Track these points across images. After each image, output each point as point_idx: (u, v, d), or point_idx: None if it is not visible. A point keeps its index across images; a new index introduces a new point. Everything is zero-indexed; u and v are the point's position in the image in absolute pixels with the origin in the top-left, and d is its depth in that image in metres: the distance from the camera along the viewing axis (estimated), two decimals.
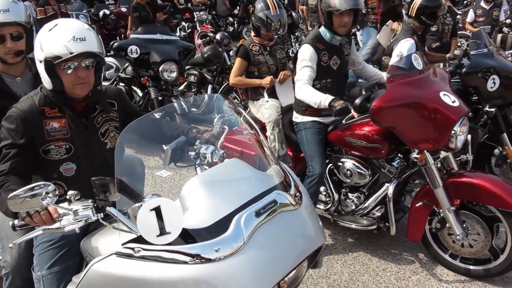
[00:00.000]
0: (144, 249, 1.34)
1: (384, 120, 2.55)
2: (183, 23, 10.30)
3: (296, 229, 1.52)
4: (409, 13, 3.90)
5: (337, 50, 3.03)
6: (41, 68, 1.77)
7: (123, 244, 1.38)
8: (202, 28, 9.85)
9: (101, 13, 10.17)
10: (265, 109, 3.45)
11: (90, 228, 1.76)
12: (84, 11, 8.96)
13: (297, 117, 3.14)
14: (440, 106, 2.45)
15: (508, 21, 5.52)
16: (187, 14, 11.37)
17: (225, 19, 12.79)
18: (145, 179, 2.51)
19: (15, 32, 2.16)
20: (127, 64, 5.36)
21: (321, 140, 3.00)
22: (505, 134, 3.45)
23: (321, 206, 3.11)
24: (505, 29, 6.16)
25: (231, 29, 12.29)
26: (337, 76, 3.05)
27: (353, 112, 2.62)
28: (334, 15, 2.87)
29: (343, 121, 2.92)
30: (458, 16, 8.70)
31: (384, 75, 3.22)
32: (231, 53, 5.81)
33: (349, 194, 2.99)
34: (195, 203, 1.43)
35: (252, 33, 3.69)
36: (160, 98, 4.91)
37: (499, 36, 5.93)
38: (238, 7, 13.09)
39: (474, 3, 7.93)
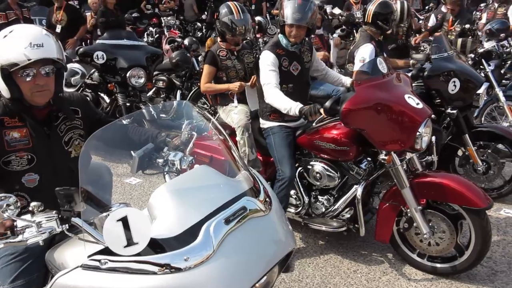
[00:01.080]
0: (111, 261, 1.31)
1: (353, 122, 2.60)
2: (151, 28, 10.19)
3: (266, 235, 1.52)
4: (365, 20, 4.06)
5: (296, 56, 3.08)
6: None
7: (89, 256, 1.34)
8: (170, 33, 9.78)
9: None
10: (234, 114, 3.45)
11: (55, 240, 1.70)
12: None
13: (263, 123, 3.16)
14: (406, 108, 2.53)
15: (468, 26, 5.73)
16: (154, 19, 11.26)
17: (193, 24, 12.74)
18: (113, 187, 2.47)
19: None
20: (93, 70, 5.26)
21: (289, 144, 3.02)
22: (467, 135, 3.57)
23: (292, 210, 3.13)
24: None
25: (199, 34, 12.26)
26: (298, 82, 3.09)
27: (323, 114, 2.67)
28: (285, 25, 2.94)
29: (313, 124, 2.96)
30: (420, 21, 8.98)
31: (346, 79, 3.32)
32: (199, 58, 5.78)
33: (319, 196, 3.03)
34: (163, 212, 1.41)
35: (218, 39, 3.68)
36: (128, 104, 4.84)
37: (459, 40, 6.14)
38: (206, 12, 13.08)
39: (435, 9, 8.20)
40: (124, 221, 1.26)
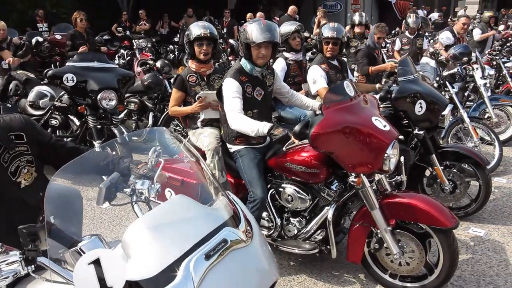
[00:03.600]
0: None
1: (322, 146, 2.63)
2: (122, 50, 10.17)
3: (249, 266, 1.45)
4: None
5: (259, 81, 3.09)
6: None
7: None
8: (142, 55, 9.77)
9: (33, 40, 9.78)
10: (204, 137, 3.41)
11: (19, 281, 1.55)
12: (15, 38, 8.58)
13: (230, 147, 3.16)
14: (373, 131, 2.58)
15: (431, 49, 5.98)
16: (125, 42, 11.25)
17: (165, 46, 12.78)
18: (83, 212, 2.35)
19: None
20: (63, 93, 5.17)
21: (258, 164, 3.02)
22: (434, 155, 3.66)
23: (264, 232, 3.12)
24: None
25: (171, 56, 12.29)
26: (262, 107, 3.11)
27: (293, 139, 2.69)
28: (252, 47, 2.94)
29: (284, 148, 2.97)
30: (387, 45, 9.29)
31: (313, 102, 3.36)
32: (171, 80, 5.79)
33: (291, 218, 3.03)
34: (139, 250, 1.32)
35: (190, 62, 3.65)
36: (99, 126, 4.77)
37: None
38: (178, 35, 13.15)
39: (402, 33, 8.51)
40: (97, 263, 1.18)
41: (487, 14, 9.36)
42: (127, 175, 1.76)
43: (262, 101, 3.10)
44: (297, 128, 2.58)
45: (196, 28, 3.49)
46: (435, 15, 15.83)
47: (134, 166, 1.77)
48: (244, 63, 3.04)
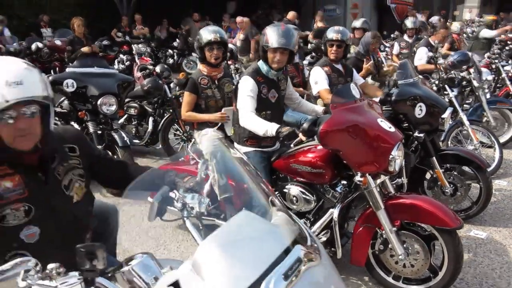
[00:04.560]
0: None
1: (331, 143, 2.65)
2: (121, 55, 10.17)
3: (326, 284, 1.40)
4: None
5: (274, 84, 3.15)
6: None
7: None
8: (141, 60, 9.79)
9: (33, 46, 9.80)
10: (204, 140, 3.47)
11: None
12: (15, 44, 8.60)
13: (239, 148, 3.18)
14: (379, 132, 2.61)
15: (430, 54, 6.00)
16: (125, 46, 11.27)
17: (164, 51, 12.81)
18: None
19: None
20: (63, 98, 5.19)
21: (265, 168, 3.05)
22: (434, 157, 3.68)
23: None
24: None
25: (170, 61, 12.32)
26: (275, 109, 3.16)
27: (301, 136, 2.71)
28: (268, 50, 3.00)
29: (292, 145, 3.00)
30: (386, 49, 9.34)
31: (318, 108, 3.40)
32: (171, 85, 5.81)
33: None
34: (213, 272, 1.22)
35: (201, 66, 3.70)
36: (99, 132, 4.78)
37: None
38: (177, 39, 13.20)
39: (401, 37, 8.57)
40: (175, 286, 1.12)
41: (489, 17, 9.45)
42: (173, 189, 1.70)
43: (276, 104, 3.14)
44: (305, 125, 2.61)
45: (207, 33, 3.56)
46: (435, 19, 15.97)
47: (180, 180, 1.72)
48: (261, 65, 3.10)
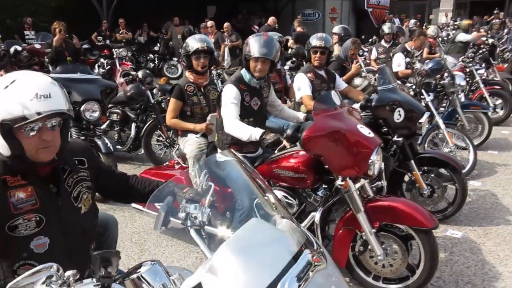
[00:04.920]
0: None
1: (313, 149, 2.75)
2: (102, 60, 10.12)
3: (336, 286, 1.47)
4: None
5: (257, 92, 3.23)
6: None
7: None
8: (122, 65, 9.75)
9: (12, 49, 9.65)
10: (188, 145, 3.53)
11: None
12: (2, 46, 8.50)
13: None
14: (359, 137, 2.72)
15: (407, 59, 6.17)
16: (105, 51, 11.20)
17: (145, 55, 12.78)
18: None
19: None
20: None
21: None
22: (412, 161, 3.80)
23: None
24: None
25: (151, 65, 12.29)
26: (258, 116, 3.24)
27: (284, 142, 2.79)
28: (250, 60, 3.08)
29: (276, 151, 3.08)
30: (365, 53, 9.54)
31: (300, 115, 3.49)
32: (154, 91, 5.83)
33: None
34: (232, 275, 1.28)
35: (187, 73, 3.77)
36: (82, 138, 4.77)
37: None
38: (158, 44, 13.18)
39: (377, 42, 8.77)
40: None
41: (465, 22, 9.72)
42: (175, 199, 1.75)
43: (258, 111, 3.22)
44: (289, 131, 2.70)
45: (194, 42, 3.63)
46: (411, 23, 16.32)
47: (179, 190, 1.76)
48: (244, 73, 3.17)
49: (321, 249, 1.52)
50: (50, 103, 1.49)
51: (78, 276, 1.19)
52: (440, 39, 11.82)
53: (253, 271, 1.30)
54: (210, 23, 10.77)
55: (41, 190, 1.60)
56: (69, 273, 1.18)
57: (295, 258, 1.38)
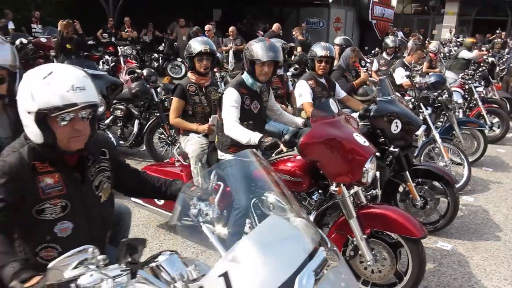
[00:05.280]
0: None
1: (309, 154, 2.83)
2: (106, 56, 10.21)
3: (347, 283, 1.54)
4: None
5: (257, 95, 3.32)
6: (29, 120, 1.56)
7: None
8: (127, 62, 9.85)
9: (17, 42, 9.75)
10: (190, 145, 3.63)
11: None
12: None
13: (222, 155, 3.33)
14: (354, 145, 2.79)
15: (407, 73, 6.25)
16: (110, 48, 11.30)
17: (150, 54, 12.87)
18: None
19: None
20: None
21: (246, 175, 3.19)
22: (407, 172, 3.87)
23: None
24: None
25: (155, 64, 12.38)
26: (257, 119, 3.33)
27: (282, 147, 2.87)
28: (256, 64, 3.16)
29: (273, 155, 3.16)
30: (367, 64, 9.65)
31: (298, 120, 3.57)
32: (158, 89, 5.92)
33: None
34: (252, 267, 1.33)
35: (190, 74, 3.88)
36: None
37: None
38: (163, 43, 13.27)
39: (379, 54, 8.89)
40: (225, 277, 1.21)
41: (469, 40, 9.86)
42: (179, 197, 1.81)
43: (258, 114, 3.31)
44: (287, 137, 2.79)
45: (197, 44, 3.73)
46: (410, 43, 16.49)
47: (187, 189, 1.83)
48: (246, 77, 3.26)
49: (334, 248, 1.58)
50: (85, 94, 1.56)
51: (108, 261, 1.24)
52: (442, 54, 11.95)
53: (272, 265, 1.36)
54: (207, 26, 10.91)
55: (67, 178, 1.68)
56: (100, 257, 1.23)
57: (311, 255, 1.44)
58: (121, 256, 1.23)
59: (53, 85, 1.53)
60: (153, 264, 1.29)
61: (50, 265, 1.17)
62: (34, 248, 1.66)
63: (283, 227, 1.58)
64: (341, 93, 4.52)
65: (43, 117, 1.54)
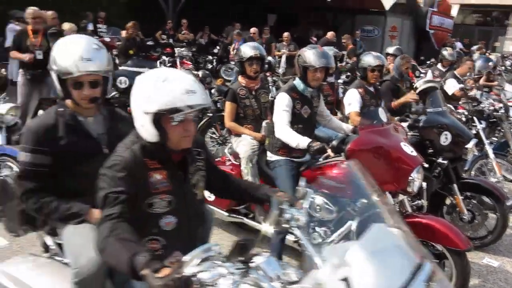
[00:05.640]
0: None
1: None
2: (164, 57, 10.63)
3: None
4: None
5: (308, 100, 3.41)
6: (145, 120, 1.65)
7: None
8: (183, 63, 10.21)
9: None
10: (242, 146, 3.79)
11: None
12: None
13: (271, 156, 3.47)
14: (401, 154, 2.84)
15: (461, 85, 6.10)
16: (168, 49, 11.75)
17: (204, 56, 13.24)
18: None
19: (93, 80, 2.05)
20: (114, 92, 5.60)
21: (293, 176, 3.31)
22: (455, 184, 3.81)
23: (291, 237, 3.39)
24: None
25: (209, 66, 12.72)
26: (307, 123, 3.42)
27: (329, 152, 2.97)
28: (308, 70, 3.27)
29: (321, 159, 3.25)
30: (421, 74, 9.46)
31: (347, 126, 3.61)
32: (212, 91, 6.15)
33: (316, 228, 3.29)
34: (364, 274, 1.35)
35: (240, 78, 4.06)
36: None
37: None
38: (218, 47, 13.62)
39: (435, 65, 8.69)
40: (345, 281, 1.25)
41: None
42: (266, 202, 1.90)
43: (308, 119, 3.41)
44: (334, 143, 2.88)
45: (248, 49, 3.91)
46: (474, 48, 15.88)
47: (273, 195, 1.88)
48: (298, 83, 3.37)
49: (434, 261, 1.67)
50: (197, 97, 1.65)
51: (225, 257, 1.32)
52: (503, 68, 11.50)
53: (385, 273, 1.39)
54: (253, 29, 11.15)
55: (173, 175, 1.79)
56: (222, 255, 1.31)
57: (417, 267, 1.44)
58: (234, 254, 1.31)
59: (170, 89, 1.62)
60: (253, 264, 1.34)
61: (183, 259, 1.26)
62: (141, 240, 1.71)
63: (388, 238, 1.60)
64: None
65: (159, 118, 1.64)
